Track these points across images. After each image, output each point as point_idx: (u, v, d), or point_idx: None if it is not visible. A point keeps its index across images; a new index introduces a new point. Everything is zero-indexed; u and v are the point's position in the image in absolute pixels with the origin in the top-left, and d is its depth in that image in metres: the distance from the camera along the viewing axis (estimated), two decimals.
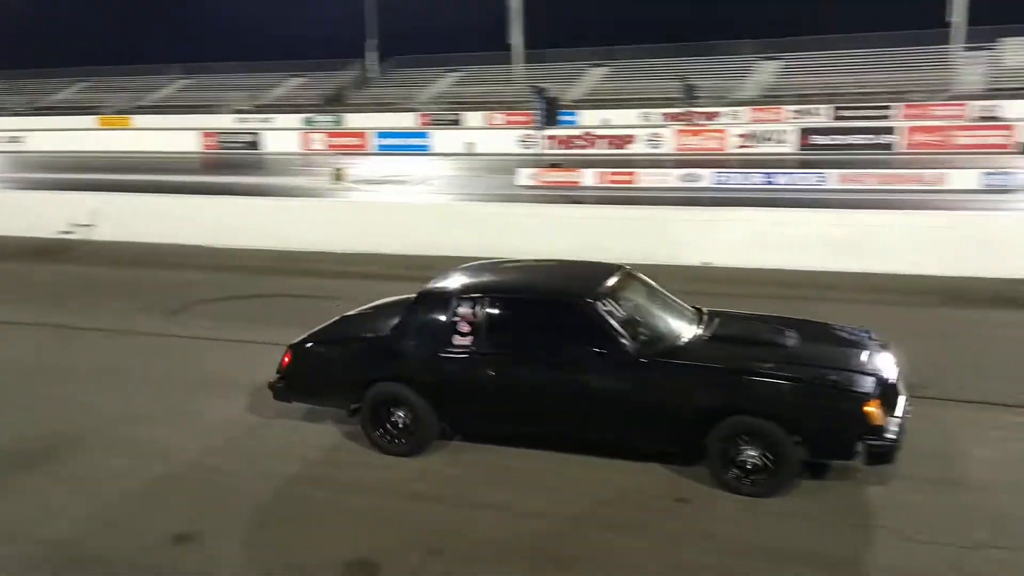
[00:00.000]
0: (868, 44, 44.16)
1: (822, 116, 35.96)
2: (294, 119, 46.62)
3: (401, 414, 6.34)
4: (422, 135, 41.23)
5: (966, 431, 6.51)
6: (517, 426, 6.29)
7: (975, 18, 41.73)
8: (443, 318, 6.29)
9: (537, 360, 6.08)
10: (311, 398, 6.91)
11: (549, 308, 6.25)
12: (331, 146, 41.94)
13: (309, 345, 6.79)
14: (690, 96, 36.95)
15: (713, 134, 31.88)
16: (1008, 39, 42.21)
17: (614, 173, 24.07)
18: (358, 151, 40.39)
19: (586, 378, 5.93)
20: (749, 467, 5.52)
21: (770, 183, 21.81)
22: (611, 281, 6.42)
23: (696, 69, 43.58)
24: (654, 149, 31.73)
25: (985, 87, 39.22)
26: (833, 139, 29.18)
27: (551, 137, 31.46)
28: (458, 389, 6.22)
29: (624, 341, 5.86)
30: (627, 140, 32.85)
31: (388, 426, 6.37)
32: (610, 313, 6.00)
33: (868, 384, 5.53)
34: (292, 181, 28.26)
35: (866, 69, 42.95)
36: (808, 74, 44.10)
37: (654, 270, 11.96)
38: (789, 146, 29.39)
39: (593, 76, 49.15)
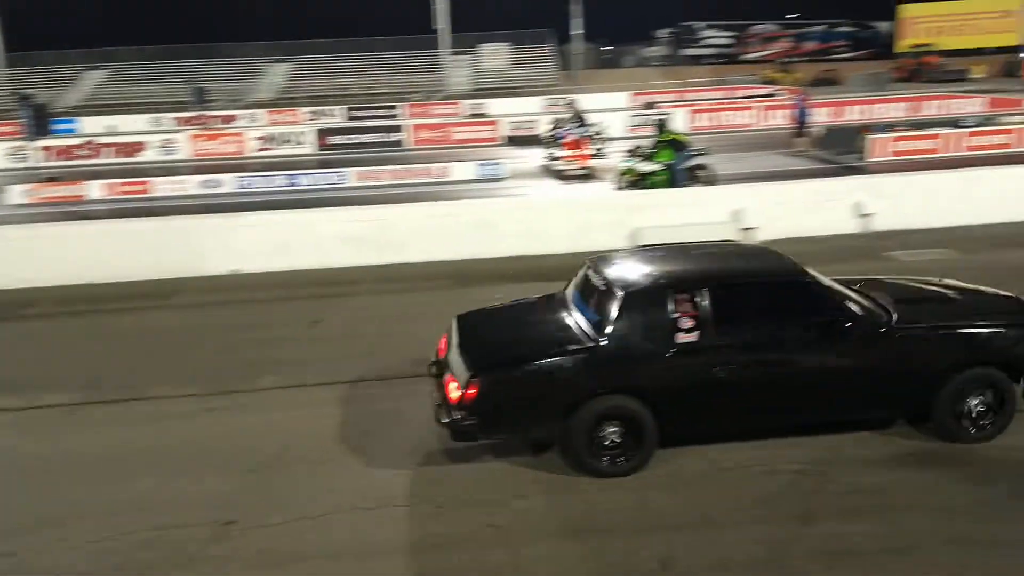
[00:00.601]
0: (372, 48, 47.09)
1: (337, 117, 37.27)
2: None
3: (612, 429, 5.70)
4: None
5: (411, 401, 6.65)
6: (754, 419, 6.02)
7: (458, 26, 46.70)
8: (661, 315, 5.73)
9: (775, 346, 5.82)
10: (506, 431, 5.92)
11: (780, 290, 6.00)
12: None
13: (501, 371, 5.78)
14: (202, 100, 35.66)
15: (231, 138, 31.09)
16: (486, 45, 48.11)
17: (125, 183, 22.25)
18: None
19: (830, 356, 5.84)
20: (975, 415, 5.95)
21: (293, 184, 22.01)
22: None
23: (205, 72, 42.31)
24: (169, 156, 29.95)
25: (472, 87, 44.20)
26: (349, 138, 30.36)
27: (46, 148, 28.05)
28: (689, 390, 5.73)
29: (862, 313, 5.95)
30: (137, 148, 30.50)
31: (604, 446, 5.72)
32: (832, 287, 6.06)
33: None
34: None
35: (372, 71, 45.72)
36: (319, 76, 45.45)
37: (180, 283, 11.52)
38: (308, 147, 29.91)
39: (91, 80, 44.91)
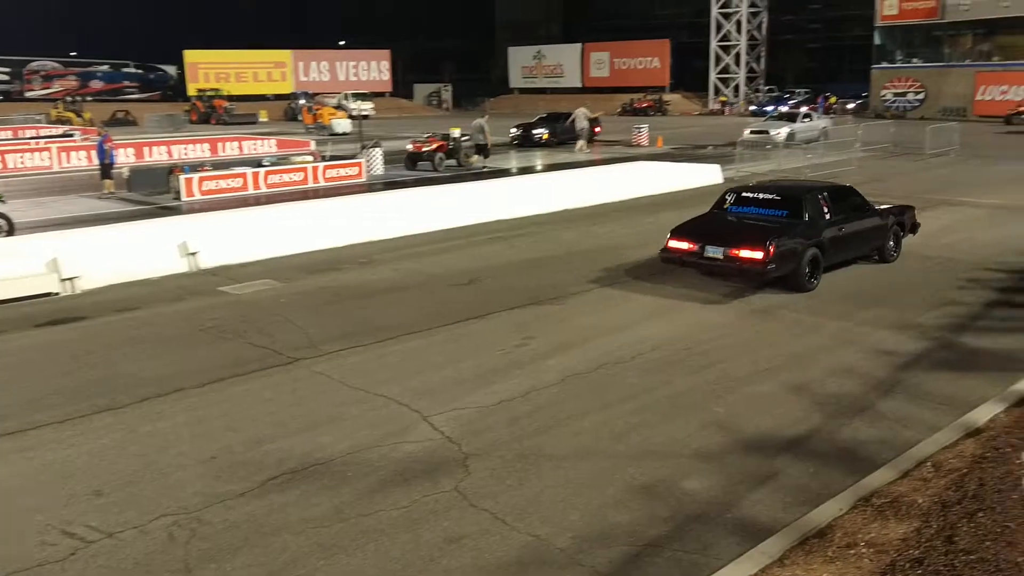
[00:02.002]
0: None
1: None
2: None
3: (808, 267, 11.30)
4: None
5: None
6: (849, 254, 12.39)
7: None
8: (820, 205, 11.69)
9: (854, 218, 12.22)
10: (783, 270, 10.98)
11: (849, 194, 12.61)
12: None
13: (781, 239, 10.87)
14: None
15: None
16: None
17: None
18: None
19: (869, 221, 12.48)
20: (892, 247, 13.11)
21: None
22: None
23: None
24: None
25: None
26: None
27: None
28: (832, 241, 11.63)
29: (871, 204, 12.89)
30: None
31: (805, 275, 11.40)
32: (862, 194, 13.13)
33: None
34: None
35: None
36: None
37: None
38: None
39: None
